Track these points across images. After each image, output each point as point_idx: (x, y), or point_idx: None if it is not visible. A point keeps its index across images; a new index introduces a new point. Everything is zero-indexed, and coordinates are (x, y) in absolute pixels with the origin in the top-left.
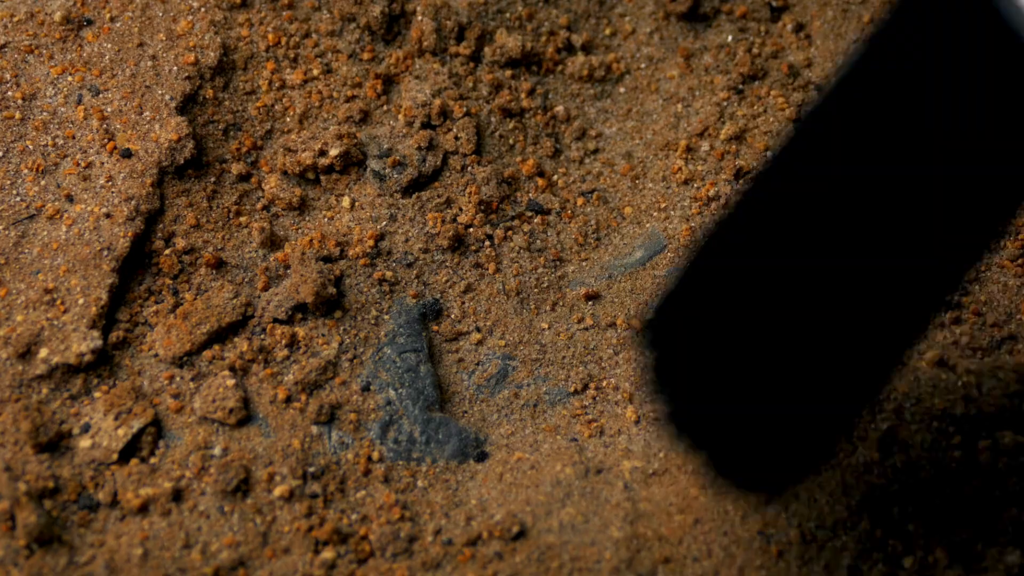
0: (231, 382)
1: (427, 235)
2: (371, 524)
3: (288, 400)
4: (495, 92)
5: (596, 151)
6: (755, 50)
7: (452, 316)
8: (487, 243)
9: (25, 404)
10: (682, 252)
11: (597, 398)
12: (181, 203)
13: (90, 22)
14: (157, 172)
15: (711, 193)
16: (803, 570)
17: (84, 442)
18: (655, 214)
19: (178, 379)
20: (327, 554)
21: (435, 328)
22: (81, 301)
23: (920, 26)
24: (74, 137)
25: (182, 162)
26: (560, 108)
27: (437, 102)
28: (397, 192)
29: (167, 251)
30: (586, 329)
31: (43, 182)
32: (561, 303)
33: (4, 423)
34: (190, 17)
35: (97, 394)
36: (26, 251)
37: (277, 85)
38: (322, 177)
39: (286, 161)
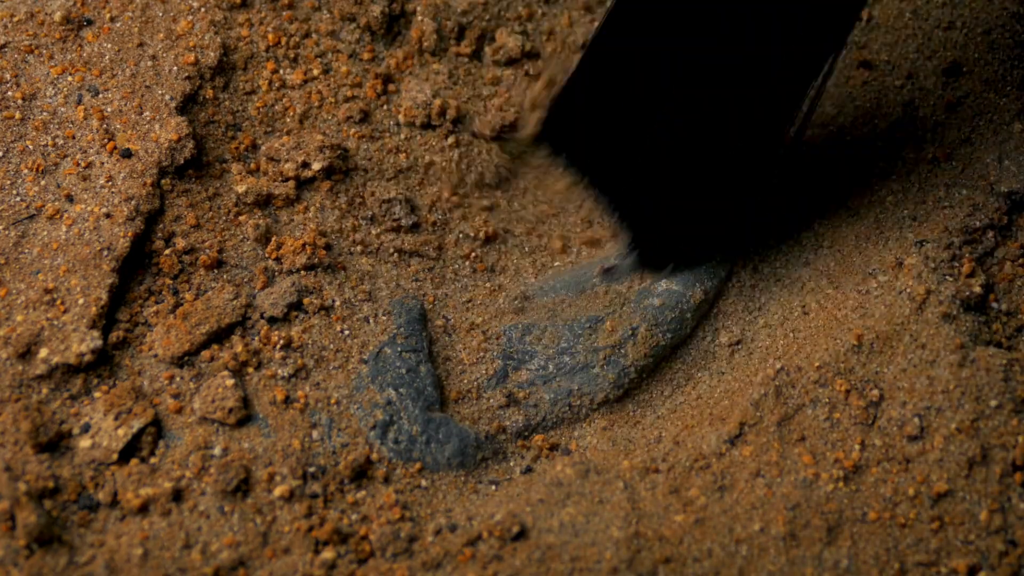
0: (231, 382)
1: None
2: (371, 524)
3: (288, 400)
4: (496, 92)
5: None
6: None
7: (452, 316)
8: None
9: (25, 404)
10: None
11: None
12: (181, 203)
13: (90, 22)
14: (157, 172)
15: None
16: None
17: (84, 442)
18: None
19: (178, 379)
20: (327, 554)
21: (434, 328)
22: (81, 301)
23: None
24: (74, 137)
25: (182, 162)
26: None
27: (437, 102)
28: None
29: (167, 251)
30: None
31: (43, 182)
32: None
33: (4, 423)
34: (190, 17)
35: (97, 394)
36: (26, 251)
37: (277, 85)
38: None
39: (269, 169)
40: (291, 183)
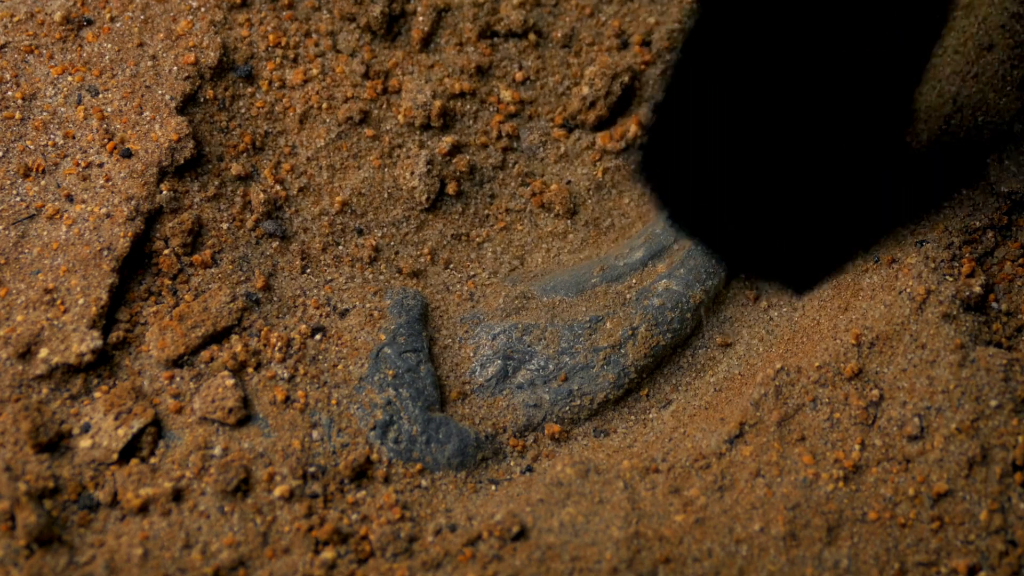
0: (231, 382)
1: None
2: (371, 524)
3: (288, 400)
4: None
5: None
6: None
7: (452, 316)
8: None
9: (25, 404)
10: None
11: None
12: (181, 203)
13: (90, 22)
14: (157, 172)
15: None
16: None
17: (84, 442)
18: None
19: (178, 379)
20: (327, 554)
21: (435, 327)
22: (81, 301)
23: None
24: (74, 137)
25: (182, 162)
26: None
27: (437, 103)
28: None
29: (167, 251)
30: None
31: (43, 182)
32: None
33: (4, 423)
34: (190, 17)
35: (97, 394)
36: (26, 251)
37: (277, 85)
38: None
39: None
40: (295, 183)
